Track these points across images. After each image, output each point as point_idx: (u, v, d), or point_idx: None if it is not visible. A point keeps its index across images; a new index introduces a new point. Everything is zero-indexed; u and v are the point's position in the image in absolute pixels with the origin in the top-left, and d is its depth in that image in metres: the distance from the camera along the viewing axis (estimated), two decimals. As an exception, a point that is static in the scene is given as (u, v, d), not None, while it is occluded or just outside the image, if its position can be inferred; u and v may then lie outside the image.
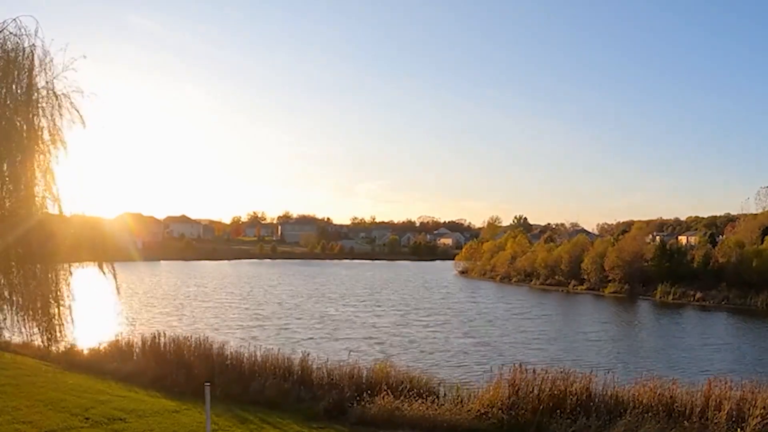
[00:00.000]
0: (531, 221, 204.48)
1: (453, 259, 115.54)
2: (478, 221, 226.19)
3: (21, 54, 13.92)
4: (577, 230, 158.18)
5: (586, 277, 75.50)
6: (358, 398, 17.39)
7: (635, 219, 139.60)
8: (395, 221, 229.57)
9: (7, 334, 16.89)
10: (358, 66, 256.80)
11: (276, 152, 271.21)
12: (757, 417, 16.03)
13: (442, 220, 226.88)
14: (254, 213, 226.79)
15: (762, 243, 69.52)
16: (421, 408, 16.71)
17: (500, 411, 16.77)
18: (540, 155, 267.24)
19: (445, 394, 18.97)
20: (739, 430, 15.62)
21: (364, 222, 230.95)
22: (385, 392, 17.46)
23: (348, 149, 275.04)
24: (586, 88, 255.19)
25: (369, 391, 17.68)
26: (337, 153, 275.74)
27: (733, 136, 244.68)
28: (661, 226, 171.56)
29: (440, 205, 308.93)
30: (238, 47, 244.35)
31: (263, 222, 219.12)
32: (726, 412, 16.42)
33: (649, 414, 16.40)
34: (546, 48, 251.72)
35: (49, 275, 14.47)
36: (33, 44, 13.90)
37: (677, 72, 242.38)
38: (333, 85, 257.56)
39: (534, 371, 17.91)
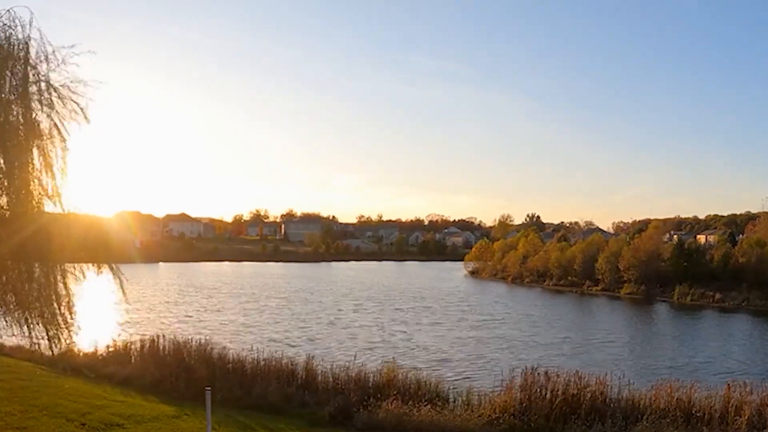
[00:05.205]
0: (544, 219, 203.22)
1: (462, 259, 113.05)
2: (488, 219, 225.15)
3: (16, 45, 13.54)
4: (591, 229, 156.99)
5: (600, 277, 74.19)
6: (364, 403, 16.82)
7: (652, 217, 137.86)
8: (403, 219, 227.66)
9: (1, 337, 16.61)
10: (353, 60, 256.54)
11: (275, 150, 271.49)
12: (779, 422, 15.45)
13: (451, 219, 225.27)
14: (257, 211, 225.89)
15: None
16: (430, 413, 16.18)
17: (512, 416, 16.30)
18: (550, 152, 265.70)
19: (455, 399, 18.52)
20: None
21: (371, 220, 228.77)
22: (392, 397, 16.97)
23: (350, 146, 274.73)
24: (599, 83, 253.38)
25: (376, 396, 17.14)
26: (341, 151, 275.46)
27: (753, 132, 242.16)
28: (678, 224, 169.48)
29: (449, 202, 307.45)
30: (235, 44, 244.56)
31: (266, 220, 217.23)
32: (747, 417, 15.90)
33: (667, 419, 15.94)
34: (551, 40, 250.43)
35: (46, 275, 14.09)
36: (28, 35, 13.52)
37: (695, 66, 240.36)
38: (330, 81, 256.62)
39: (546, 375, 17.35)
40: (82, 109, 14.21)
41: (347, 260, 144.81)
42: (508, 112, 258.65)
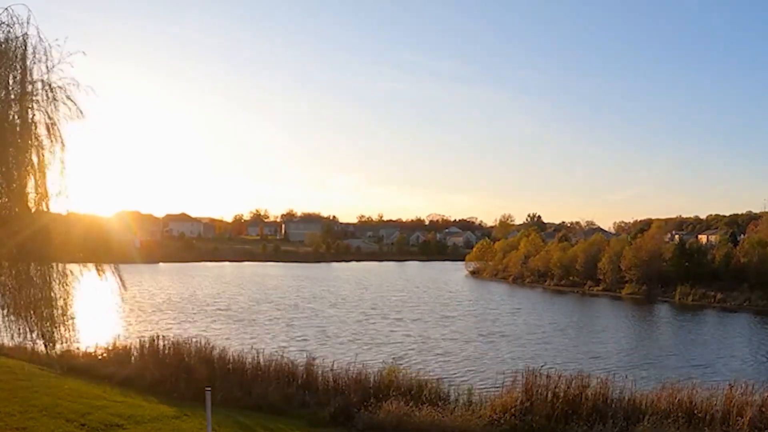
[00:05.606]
0: (545, 219, 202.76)
1: (463, 259, 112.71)
2: (489, 219, 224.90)
3: (13, 44, 13.46)
4: (593, 229, 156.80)
5: (602, 277, 74.02)
6: (365, 403, 16.78)
7: (653, 217, 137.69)
8: (403, 219, 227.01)
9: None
10: (354, 58, 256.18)
11: (275, 150, 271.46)
12: (781, 423, 15.39)
13: (452, 219, 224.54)
14: (257, 211, 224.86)
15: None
16: (431, 414, 16.12)
17: (513, 417, 16.24)
18: (550, 152, 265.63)
19: (456, 400, 18.44)
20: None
21: (372, 220, 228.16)
22: (393, 397, 16.90)
23: (350, 146, 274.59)
24: (599, 82, 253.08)
25: (377, 396, 17.11)
26: (341, 150, 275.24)
27: (754, 132, 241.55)
28: (680, 224, 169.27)
29: (449, 202, 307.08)
30: (235, 44, 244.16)
31: (266, 220, 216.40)
32: (748, 418, 15.84)
33: (669, 420, 15.91)
34: (551, 39, 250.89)
35: (44, 275, 14.02)
36: (26, 34, 13.43)
37: (695, 66, 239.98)
38: (329, 81, 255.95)
39: (548, 375, 17.29)
40: (80, 109, 14.15)
41: (348, 260, 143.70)
42: (509, 111, 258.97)
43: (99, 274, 15.08)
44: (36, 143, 13.73)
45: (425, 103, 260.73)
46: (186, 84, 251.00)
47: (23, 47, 13.45)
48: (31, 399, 15.08)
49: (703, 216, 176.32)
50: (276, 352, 21.87)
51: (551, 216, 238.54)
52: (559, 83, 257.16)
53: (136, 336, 28.35)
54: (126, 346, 22.44)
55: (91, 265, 14.99)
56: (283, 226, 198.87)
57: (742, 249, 70.26)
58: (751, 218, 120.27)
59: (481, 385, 23.97)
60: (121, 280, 15.40)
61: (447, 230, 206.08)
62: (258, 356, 20.19)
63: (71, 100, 14.14)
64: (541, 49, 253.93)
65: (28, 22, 13.26)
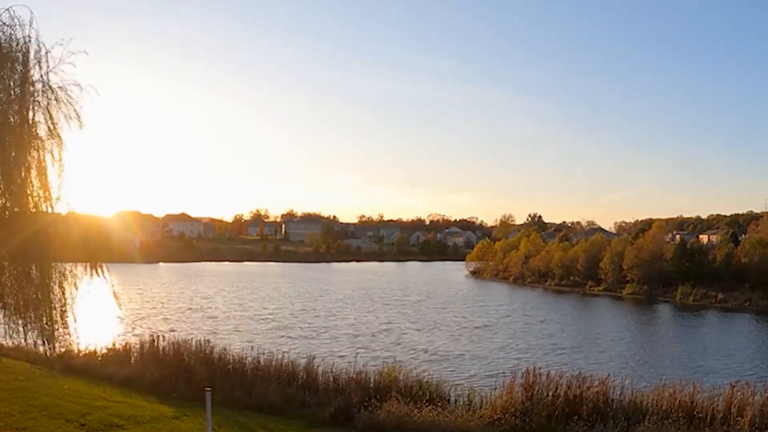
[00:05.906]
0: (545, 219, 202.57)
1: (464, 259, 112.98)
2: (490, 219, 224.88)
3: (15, 45, 13.46)
4: (593, 229, 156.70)
5: (603, 277, 74.00)
6: (365, 404, 16.74)
7: (654, 217, 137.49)
8: (404, 219, 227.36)
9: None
10: (354, 58, 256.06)
11: (275, 150, 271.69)
12: (782, 423, 15.37)
13: (452, 218, 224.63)
14: (257, 211, 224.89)
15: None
16: (431, 414, 16.09)
17: (513, 417, 16.21)
18: (550, 152, 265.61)
19: (456, 400, 18.44)
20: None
21: (372, 220, 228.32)
22: (393, 398, 16.86)
23: (350, 146, 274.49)
24: (600, 82, 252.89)
25: (377, 397, 17.07)
26: (340, 150, 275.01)
27: (755, 131, 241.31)
28: (681, 224, 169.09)
29: (449, 202, 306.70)
30: (236, 44, 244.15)
31: (266, 220, 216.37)
32: (749, 418, 15.82)
33: (669, 420, 15.86)
34: (551, 39, 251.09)
35: (44, 276, 14.03)
36: (28, 35, 13.44)
37: (695, 65, 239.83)
38: (329, 81, 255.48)
39: (548, 375, 17.29)
40: (79, 110, 14.16)
41: (348, 260, 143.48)
42: (509, 111, 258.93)
43: (91, 277, 15.03)
44: (36, 144, 13.75)
45: (425, 103, 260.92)
46: (186, 84, 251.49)
47: (24, 49, 13.46)
48: (31, 399, 15.07)
49: (704, 216, 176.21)
50: (276, 351, 21.77)
51: (552, 216, 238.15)
52: (559, 83, 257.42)
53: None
54: (126, 346, 22.43)
55: (87, 266, 14.94)
56: (283, 226, 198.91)
57: (743, 249, 70.21)
58: (752, 218, 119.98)
59: (482, 385, 23.92)
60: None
61: (447, 230, 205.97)
62: (258, 356, 20.17)
63: (71, 101, 14.16)
64: (541, 49, 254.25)
65: (30, 24, 13.28)
